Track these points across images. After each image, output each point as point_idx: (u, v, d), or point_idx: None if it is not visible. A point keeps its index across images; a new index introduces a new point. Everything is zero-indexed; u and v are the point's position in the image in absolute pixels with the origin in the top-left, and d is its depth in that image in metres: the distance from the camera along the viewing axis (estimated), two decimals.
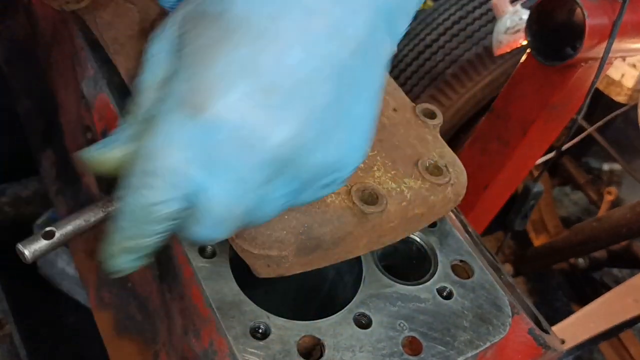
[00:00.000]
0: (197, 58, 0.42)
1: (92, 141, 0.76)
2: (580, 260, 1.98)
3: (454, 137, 1.76)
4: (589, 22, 1.05)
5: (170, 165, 0.41)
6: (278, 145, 0.41)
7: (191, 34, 0.43)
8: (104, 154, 0.46)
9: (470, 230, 0.71)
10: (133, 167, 0.43)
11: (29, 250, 0.49)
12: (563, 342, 1.41)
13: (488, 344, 0.59)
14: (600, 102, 1.94)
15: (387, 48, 0.47)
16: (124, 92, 0.70)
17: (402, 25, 0.49)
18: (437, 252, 0.65)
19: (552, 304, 2.26)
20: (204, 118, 0.40)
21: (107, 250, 0.46)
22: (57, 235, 0.50)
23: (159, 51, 0.46)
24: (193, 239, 0.46)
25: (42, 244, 0.49)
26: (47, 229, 0.50)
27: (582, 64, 1.15)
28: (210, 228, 0.45)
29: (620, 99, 1.78)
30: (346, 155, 0.46)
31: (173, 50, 0.45)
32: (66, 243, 0.51)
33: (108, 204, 0.52)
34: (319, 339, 0.56)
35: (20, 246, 0.49)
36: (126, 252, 0.46)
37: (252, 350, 0.53)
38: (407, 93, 0.84)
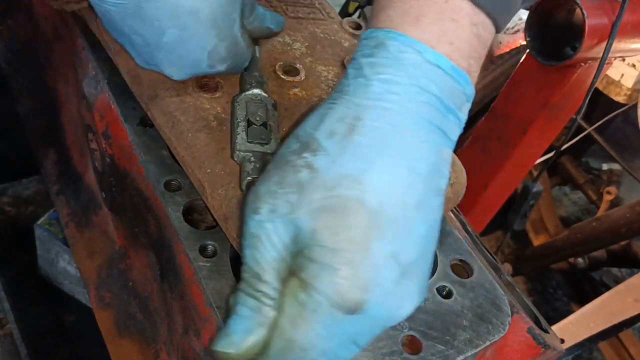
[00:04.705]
0: (350, 250, 0.44)
1: (92, 141, 0.76)
2: (580, 260, 1.98)
3: None
4: (588, 22, 1.05)
5: (324, 353, 0.45)
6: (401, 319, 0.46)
7: (333, 225, 0.44)
8: (238, 346, 0.47)
9: (469, 229, 0.72)
10: (279, 354, 0.46)
11: None
12: (562, 341, 1.42)
13: (487, 343, 0.59)
14: (599, 102, 1.94)
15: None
16: (124, 92, 0.70)
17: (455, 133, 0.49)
18: (437, 252, 0.65)
19: (551, 303, 2.26)
20: (360, 315, 0.44)
21: None
22: None
23: (272, 233, 0.46)
24: None
25: None
26: None
27: (582, 64, 1.15)
28: None
29: (620, 98, 1.78)
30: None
31: (294, 235, 0.45)
32: None
33: None
34: None
35: None
36: None
37: None
38: None
